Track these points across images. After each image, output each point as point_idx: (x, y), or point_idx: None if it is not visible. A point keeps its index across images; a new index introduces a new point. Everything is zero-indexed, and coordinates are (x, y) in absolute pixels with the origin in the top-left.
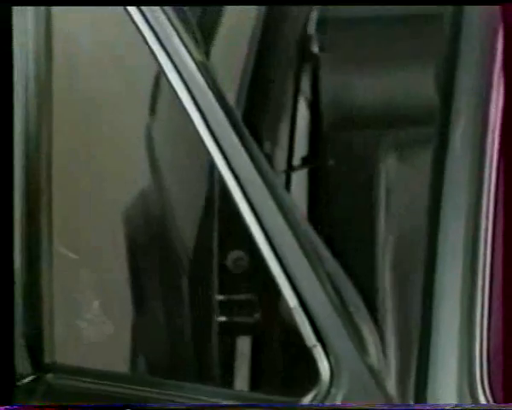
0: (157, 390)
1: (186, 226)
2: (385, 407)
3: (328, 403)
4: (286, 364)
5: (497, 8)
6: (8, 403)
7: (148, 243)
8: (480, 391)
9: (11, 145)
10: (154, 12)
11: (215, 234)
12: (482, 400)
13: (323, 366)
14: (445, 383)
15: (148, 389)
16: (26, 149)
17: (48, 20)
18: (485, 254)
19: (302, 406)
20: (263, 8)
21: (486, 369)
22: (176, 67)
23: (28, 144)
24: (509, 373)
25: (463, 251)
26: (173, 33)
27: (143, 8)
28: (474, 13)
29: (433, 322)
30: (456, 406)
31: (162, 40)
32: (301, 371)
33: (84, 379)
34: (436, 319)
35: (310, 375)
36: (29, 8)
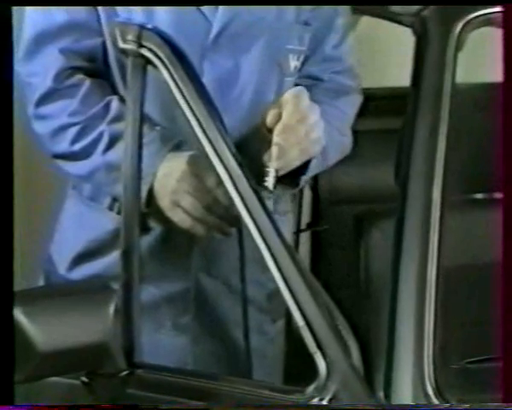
0: (219, 383)
1: None
2: (385, 407)
3: (324, 393)
4: (297, 364)
5: None
6: (9, 403)
7: None
8: (428, 387)
9: (11, 145)
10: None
11: None
12: (431, 393)
13: (321, 366)
14: (403, 382)
15: (213, 382)
16: None
17: None
18: (430, 288)
19: (302, 406)
20: None
21: (433, 370)
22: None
23: None
24: (509, 373)
25: (416, 290)
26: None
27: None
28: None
29: (395, 338)
30: (455, 406)
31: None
32: (307, 369)
33: (165, 374)
34: (398, 335)
35: (312, 372)
36: None
